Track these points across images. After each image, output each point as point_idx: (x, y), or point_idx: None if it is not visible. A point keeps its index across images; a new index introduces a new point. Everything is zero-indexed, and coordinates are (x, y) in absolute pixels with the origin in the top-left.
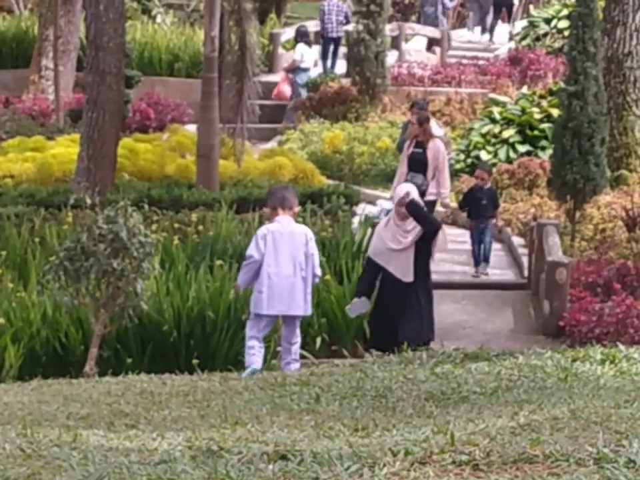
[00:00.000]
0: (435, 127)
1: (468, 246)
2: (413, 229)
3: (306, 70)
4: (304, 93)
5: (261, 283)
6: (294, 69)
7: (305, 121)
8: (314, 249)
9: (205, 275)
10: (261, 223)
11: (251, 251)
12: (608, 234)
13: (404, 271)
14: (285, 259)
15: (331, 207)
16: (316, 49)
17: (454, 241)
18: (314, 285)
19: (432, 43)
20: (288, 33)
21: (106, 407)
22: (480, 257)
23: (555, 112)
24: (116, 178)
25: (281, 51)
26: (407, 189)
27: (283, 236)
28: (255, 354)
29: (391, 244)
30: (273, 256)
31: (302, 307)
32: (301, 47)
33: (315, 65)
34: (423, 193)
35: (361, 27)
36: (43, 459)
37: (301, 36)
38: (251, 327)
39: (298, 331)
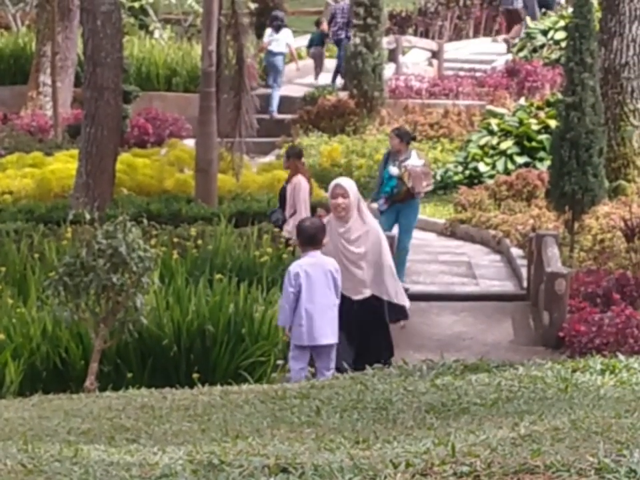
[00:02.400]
0: (414, 157)
1: (466, 258)
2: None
3: (278, 54)
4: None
5: (299, 317)
6: (265, 53)
7: (303, 135)
8: (339, 280)
9: (205, 289)
10: (259, 237)
11: (286, 289)
12: (607, 244)
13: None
14: (318, 293)
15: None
16: (289, 35)
17: (452, 252)
18: None
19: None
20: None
21: (107, 421)
22: None
23: (553, 123)
24: (115, 193)
25: None
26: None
27: (315, 270)
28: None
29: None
30: (307, 291)
31: (336, 334)
32: (268, 30)
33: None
34: (280, 227)
35: (358, 40)
36: (44, 474)
37: (271, 20)
38: (296, 359)
39: (333, 356)
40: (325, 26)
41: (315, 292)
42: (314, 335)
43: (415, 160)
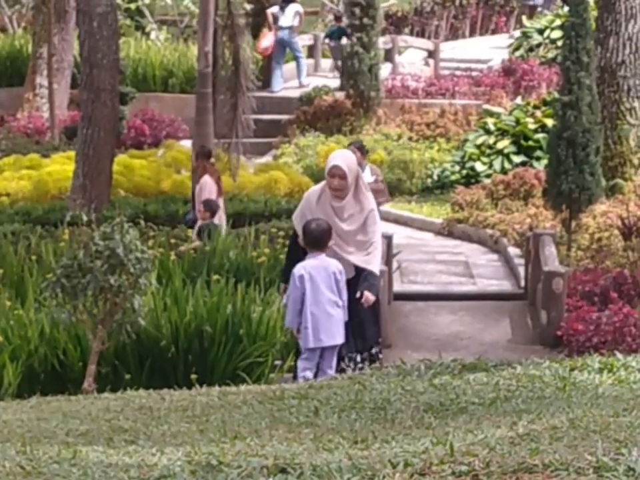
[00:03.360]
0: (367, 172)
1: (464, 257)
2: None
3: (286, 28)
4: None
5: (305, 319)
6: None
7: (300, 135)
8: (343, 281)
9: (202, 290)
10: (256, 238)
11: (292, 290)
12: (604, 243)
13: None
14: (322, 294)
15: None
16: (298, 6)
17: (450, 252)
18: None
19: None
20: None
21: (105, 423)
22: None
23: (549, 122)
24: (112, 194)
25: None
26: None
27: (319, 272)
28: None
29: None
30: (311, 293)
31: (342, 335)
32: (274, 9)
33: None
34: (192, 228)
35: (354, 40)
36: (43, 476)
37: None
38: (307, 360)
39: (335, 357)
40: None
41: (320, 294)
42: (320, 337)
43: (367, 176)
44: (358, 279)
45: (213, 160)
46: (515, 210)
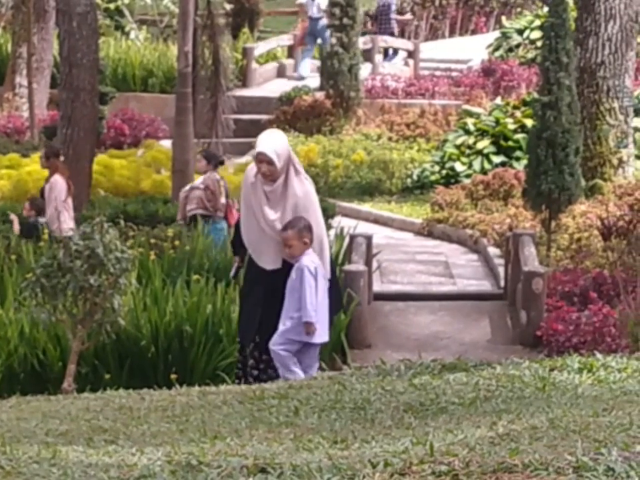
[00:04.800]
0: (199, 180)
1: (444, 257)
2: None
3: (317, 19)
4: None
5: (317, 314)
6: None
7: None
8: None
9: (182, 289)
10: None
11: (311, 285)
12: (584, 243)
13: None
14: (322, 290)
15: None
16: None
17: (429, 252)
18: None
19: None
20: (261, 47)
21: (85, 422)
22: None
23: (529, 122)
24: (91, 194)
25: (254, 65)
26: None
27: (319, 267)
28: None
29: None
30: (316, 288)
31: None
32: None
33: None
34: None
35: (334, 40)
36: (23, 476)
37: None
38: (290, 350)
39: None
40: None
41: (321, 289)
42: (320, 333)
43: (197, 182)
44: (285, 271)
45: (62, 158)
46: (494, 210)
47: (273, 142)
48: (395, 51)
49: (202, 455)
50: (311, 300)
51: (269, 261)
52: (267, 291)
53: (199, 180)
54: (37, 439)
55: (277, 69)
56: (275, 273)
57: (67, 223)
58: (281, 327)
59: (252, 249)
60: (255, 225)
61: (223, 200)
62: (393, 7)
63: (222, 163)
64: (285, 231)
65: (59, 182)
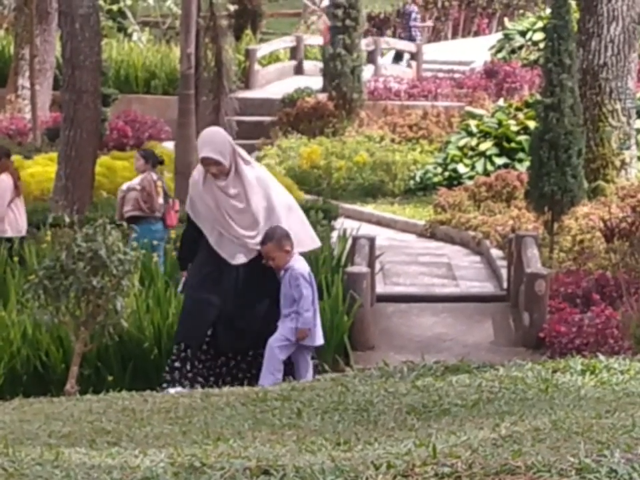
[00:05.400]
0: (136, 181)
1: (446, 259)
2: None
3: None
4: None
5: (315, 317)
6: None
7: (283, 137)
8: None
9: None
10: None
11: (308, 292)
12: (586, 245)
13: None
14: (316, 294)
15: (310, 221)
16: None
17: (432, 253)
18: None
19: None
20: (264, 49)
21: (87, 424)
22: None
23: (532, 124)
24: (94, 196)
25: (257, 67)
26: None
27: (311, 274)
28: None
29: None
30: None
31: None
32: None
33: None
34: None
35: (336, 42)
36: (25, 478)
37: None
38: (286, 350)
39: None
40: None
41: (316, 293)
42: (319, 335)
43: (134, 183)
44: (256, 264)
45: (12, 158)
46: (497, 212)
47: (213, 143)
48: (400, 55)
49: (205, 457)
50: (308, 307)
51: (235, 257)
52: (231, 288)
53: (135, 180)
54: (39, 441)
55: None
56: (242, 268)
57: (11, 224)
58: (280, 326)
59: (217, 247)
60: (217, 226)
61: (160, 200)
62: (414, 15)
63: (161, 162)
64: (264, 244)
65: (5, 181)
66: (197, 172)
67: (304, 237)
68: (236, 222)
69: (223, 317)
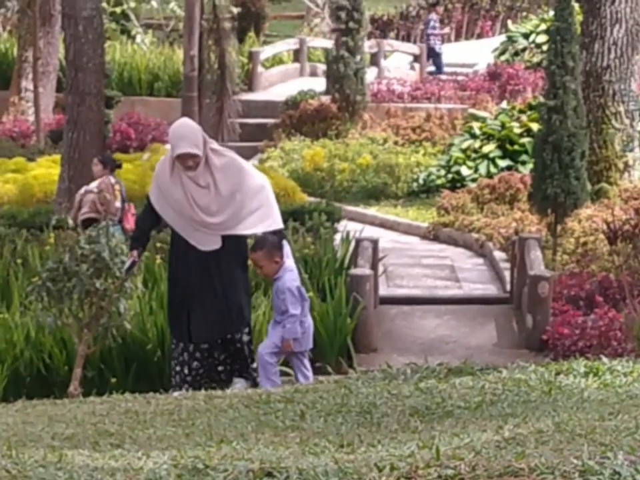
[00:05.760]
0: (94, 184)
1: (450, 261)
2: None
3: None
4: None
5: (302, 324)
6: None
7: (286, 139)
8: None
9: None
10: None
11: (295, 309)
12: (589, 247)
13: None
14: (306, 306)
15: (313, 224)
16: None
17: (435, 256)
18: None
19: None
20: (267, 52)
21: (91, 426)
22: None
23: (535, 126)
24: None
25: (260, 69)
26: None
27: (301, 288)
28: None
29: None
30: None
31: None
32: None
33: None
34: None
35: (339, 44)
36: None
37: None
38: (276, 357)
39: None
40: None
41: (304, 308)
42: (308, 340)
43: (92, 186)
44: (227, 248)
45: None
46: (500, 214)
47: (188, 138)
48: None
49: (208, 459)
50: (291, 322)
51: (204, 243)
52: (202, 275)
53: (94, 183)
54: (42, 443)
55: (284, 73)
56: (213, 254)
57: None
58: (270, 332)
59: (185, 235)
60: (185, 215)
61: (117, 204)
62: (432, 23)
63: (119, 166)
64: (254, 251)
65: None
66: (163, 164)
67: (268, 216)
68: (203, 210)
69: (196, 305)
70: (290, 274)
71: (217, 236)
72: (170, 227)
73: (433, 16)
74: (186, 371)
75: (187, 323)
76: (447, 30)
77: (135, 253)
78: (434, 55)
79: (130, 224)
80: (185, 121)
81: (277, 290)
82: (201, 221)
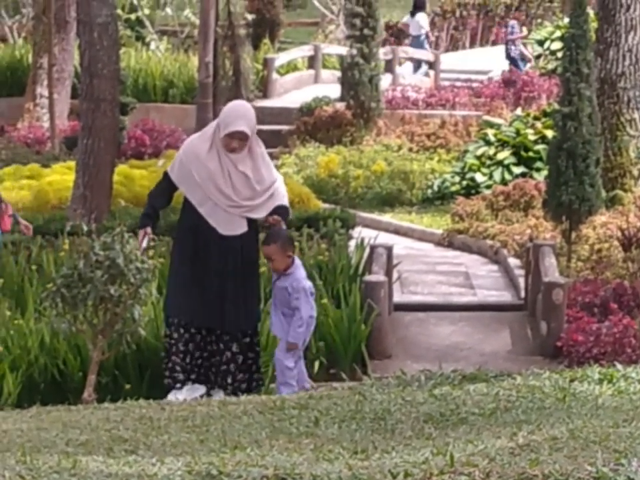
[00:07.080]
0: None
1: (464, 268)
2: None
3: (416, 37)
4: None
5: (309, 324)
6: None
7: (300, 145)
8: None
9: None
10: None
11: (311, 311)
12: (604, 254)
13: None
14: (314, 306)
15: (327, 230)
16: (422, 18)
17: (450, 262)
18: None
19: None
20: (282, 58)
21: (105, 432)
22: None
23: (550, 133)
24: (112, 204)
25: (275, 76)
26: None
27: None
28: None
29: None
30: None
31: None
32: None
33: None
34: None
35: (354, 51)
36: None
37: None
38: (290, 362)
39: None
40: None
41: (313, 307)
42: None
43: None
44: (252, 234)
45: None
46: (515, 221)
47: (247, 116)
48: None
49: (222, 465)
50: (301, 323)
51: (229, 226)
52: (217, 261)
53: None
54: (57, 449)
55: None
56: (236, 239)
57: None
58: (283, 336)
59: (208, 217)
60: (212, 195)
61: None
62: (509, 29)
63: None
64: (267, 244)
65: None
66: (201, 138)
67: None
68: (236, 192)
69: (207, 292)
70: (301, 271)
71: (243, 219)
72: (190, 217)
73: (514, 21)
74: (188, 360)
75: (221, 312)
76: (525, 32)
77: (149, 229)
78: (511, 60)
79: (6, 226)
80: (243, 102)
81: (290, 287)
82: (231, 202)
